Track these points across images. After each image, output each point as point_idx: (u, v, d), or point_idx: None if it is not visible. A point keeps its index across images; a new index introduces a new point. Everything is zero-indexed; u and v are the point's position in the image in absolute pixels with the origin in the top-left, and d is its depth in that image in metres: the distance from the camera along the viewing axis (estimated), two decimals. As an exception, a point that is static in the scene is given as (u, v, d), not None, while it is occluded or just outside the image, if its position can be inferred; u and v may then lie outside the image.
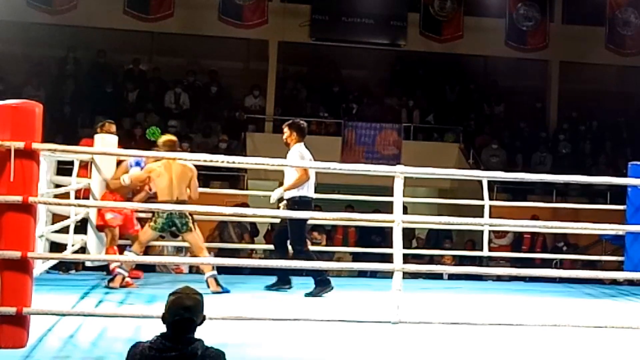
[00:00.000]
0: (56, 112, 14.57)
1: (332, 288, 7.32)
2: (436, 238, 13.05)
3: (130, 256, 7.15)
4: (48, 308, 5.37)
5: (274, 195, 7.31)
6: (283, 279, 7.56)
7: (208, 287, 7.16)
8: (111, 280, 7.24)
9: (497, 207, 9.55)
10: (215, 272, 7.22)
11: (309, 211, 7.30)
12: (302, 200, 7.25)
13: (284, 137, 7.50)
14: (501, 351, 5.40)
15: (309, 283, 7.47)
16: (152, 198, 7.61)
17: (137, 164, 7.43)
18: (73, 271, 8.45)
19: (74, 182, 7.78)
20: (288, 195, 7.29)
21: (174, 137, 7.57)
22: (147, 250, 8.28)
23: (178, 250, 9.54)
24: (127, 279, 7.35)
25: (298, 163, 7.19)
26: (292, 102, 16.84)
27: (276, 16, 16.66)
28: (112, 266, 7.44)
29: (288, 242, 7.43)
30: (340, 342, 5.35)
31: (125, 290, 7.19)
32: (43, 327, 5.20)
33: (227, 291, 7.19)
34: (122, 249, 7.70)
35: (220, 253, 9.58)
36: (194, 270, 9.22)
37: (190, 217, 7.17)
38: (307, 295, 7.25)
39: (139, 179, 7.39)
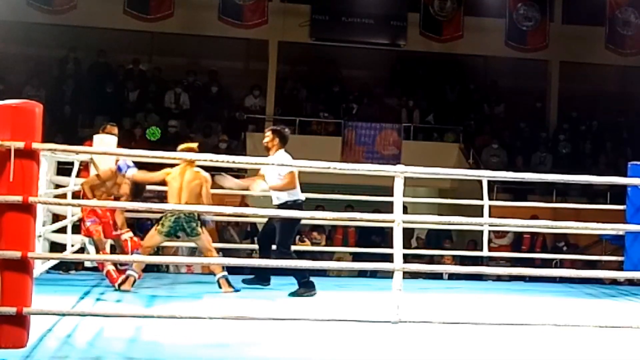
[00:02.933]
0: (56, 112, 14.58)
1: (315, 293, 7.23)
2: (436, 238, 13.06)
3: (134, 256, 7.15)
4: (48, 308, 5.37)
5: (256, 187, 7.36)
6: (261, 277, 7.55)
7: (220, 287, 7.16)
8: (123, 282, 7.14)
9: (497, 207, 9.55)
10: (226, 273, 7.22)
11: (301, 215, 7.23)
12: (295, 204, 7.25)
13: (266, 141, 7.44)
14: (501, 351, 5.40)
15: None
16: (154, 198, 7.58)
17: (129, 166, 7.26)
18: (73, 271, 8.44)
19: (71, 183, 7.78)
20: (281, 200, 7.28)
21: (194, 145, 7.30)
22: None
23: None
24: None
25: (289, 169, 7.19)
26: (292, 102, 16.84)
27: (276, 16, 16.67)
28: (105, 269, 7.41)
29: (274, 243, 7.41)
30: (340, 342, 5.35)
31: (125, 290, 7.18)
32: (43, 327, 5.20)
33: (238, 290, 7.20)
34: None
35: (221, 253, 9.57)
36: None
37: (198, 222, 7.12)
38: (291, 294, 7.21)
39: (154, 179, 7.25)
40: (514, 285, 9.19)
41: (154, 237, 7.19)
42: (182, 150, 7.06)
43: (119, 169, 7.20)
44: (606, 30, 17.42)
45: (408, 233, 12.24)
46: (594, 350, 5.52)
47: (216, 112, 16.05)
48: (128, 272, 7.13)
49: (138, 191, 7.42)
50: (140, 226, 9.78)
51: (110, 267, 7.35)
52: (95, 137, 8.24)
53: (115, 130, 8.32)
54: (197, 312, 5.66)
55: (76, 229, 8.08)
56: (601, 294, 8.65)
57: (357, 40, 17.19)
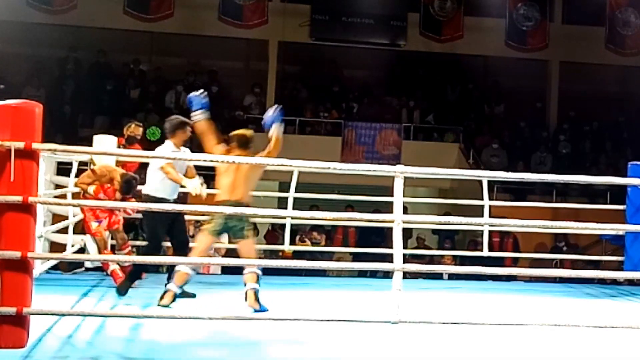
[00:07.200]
0: (56, 112, 14.58)
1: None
2: (442, 238, 13.06)
3: (135, 257, 7.15)
4: (48, 308, 5.37)
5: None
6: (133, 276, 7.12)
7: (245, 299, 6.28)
8: (161, 297, 6.38)
9: (497, 207, 9.56)
10: (257, 287, 6.25)
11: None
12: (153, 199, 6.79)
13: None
14: (501, 351, 5.40)
15: (307, 283, 7.44)
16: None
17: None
18: (79, 270, 8.39)
19: (71, 183, 7.79)
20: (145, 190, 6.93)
21: (248, 132, 6.58)
22: None
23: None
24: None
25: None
26: (292, 102, 16.84)
27: (276, 16, 16.67)
28: (110, 269, 7.42)
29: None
30: (340, 342, 5.35)
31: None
32: (43, 327, 5.21)
33: (265, 310, 6.13)
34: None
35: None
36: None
37: (249, 224, 6.38)
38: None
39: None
40: (514, 285, 9.20)
41: (205, 239, 6.36)
42: (235, 135, 6.49)
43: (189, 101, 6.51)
44: (606, 30, 17.42)
45: (406, 233, 12.24)
46: (594, 350, 5.52)
47: (216, 112, 16.02)
48: (168, 287, 6.40)
49: (128, 189, 7.39)
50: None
51: (115, 267, 7.35)
52: (95, 138, 8.28)
53: (140, 130, 8.44)
54: (197, 312, 5.66)
55: (77, 228, 8.09)
56: (601, 294, 8.65)
57: (357, 40, 17.19)
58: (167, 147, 6.91)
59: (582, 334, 5.72)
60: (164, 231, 6.89)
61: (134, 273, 7.07)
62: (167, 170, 6.66)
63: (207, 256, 6.53)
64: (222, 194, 6.36)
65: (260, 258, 9.86)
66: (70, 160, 8.02)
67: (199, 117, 6.45)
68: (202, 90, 6.52)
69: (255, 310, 6.05)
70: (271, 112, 6.48)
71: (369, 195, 9.67)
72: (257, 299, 6.17)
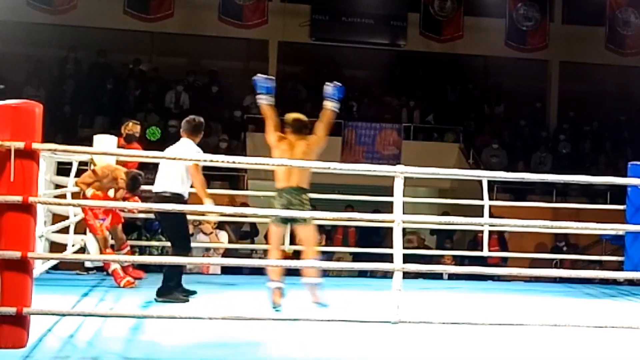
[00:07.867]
0: (56, 112, 14.58)
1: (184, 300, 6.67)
2: (442, 238, 13.04)
3: (138, 257, 7.14)
4: (48, 308, 5.37)
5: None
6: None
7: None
8: (273, 296, 6.20)
9: (497, 207, 9.55)
10: (320, 281, 6.18)
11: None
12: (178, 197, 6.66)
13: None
14: (501, 351, 5.40)
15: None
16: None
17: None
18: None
19: (71, 183, 7.79)
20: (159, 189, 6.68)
21: (302, 117, 6.59)
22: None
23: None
24: (129, 279, 7.35)
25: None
26: (292, 102, 16.82)
27: (276, 16, 16.68)
28: (111, 268, 7.42)
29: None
30: (340, 342, 5.35)
31: (125, 290, 7.19)
32: (43, 327, 5.21)
33: (325, 306, 6.15)
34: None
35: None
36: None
37: (310, 209, 6.31)
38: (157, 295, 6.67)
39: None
40: (514, 285, 9.19)
41: (270, 231, 6.39)
42: (290, 120, 6.50)
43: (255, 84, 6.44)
44: (606, 30, 17.44)
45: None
46: (594, 350, 5.52)
47: (216, 112, 16.04)
48: (273, 284, 6.21)
49: (134, 186, 7.42)
50: (149, 226, 9.75)
51: (117, 266, 7.35)
52: (95, 138, 8.28)
53: (138, 128, 8.46)
54: (197, 312, 5.66)
55: (78, 228, 8.09)
56: (601, 294, 8.64)
57: (357, 40, 17.20)
58: (191, 147, 6.80)
59: (582, 334, 5.72)
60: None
61: (171, 276, 6.67)
62: (192, 172, 6.61)
63: (279, 247, 6.49)
64: (280, 182, 6.34)
65: (260, 258, 9.87)
66: (70, 160, 8.02)
67: (262, 101, 6.49)
68: (266, 76, 6.57)
69: (319, 304, 6.09)
70: (331, 87, 6.62)
71: (369, 195, 9.66)
72: (319, 294, 6.16)
